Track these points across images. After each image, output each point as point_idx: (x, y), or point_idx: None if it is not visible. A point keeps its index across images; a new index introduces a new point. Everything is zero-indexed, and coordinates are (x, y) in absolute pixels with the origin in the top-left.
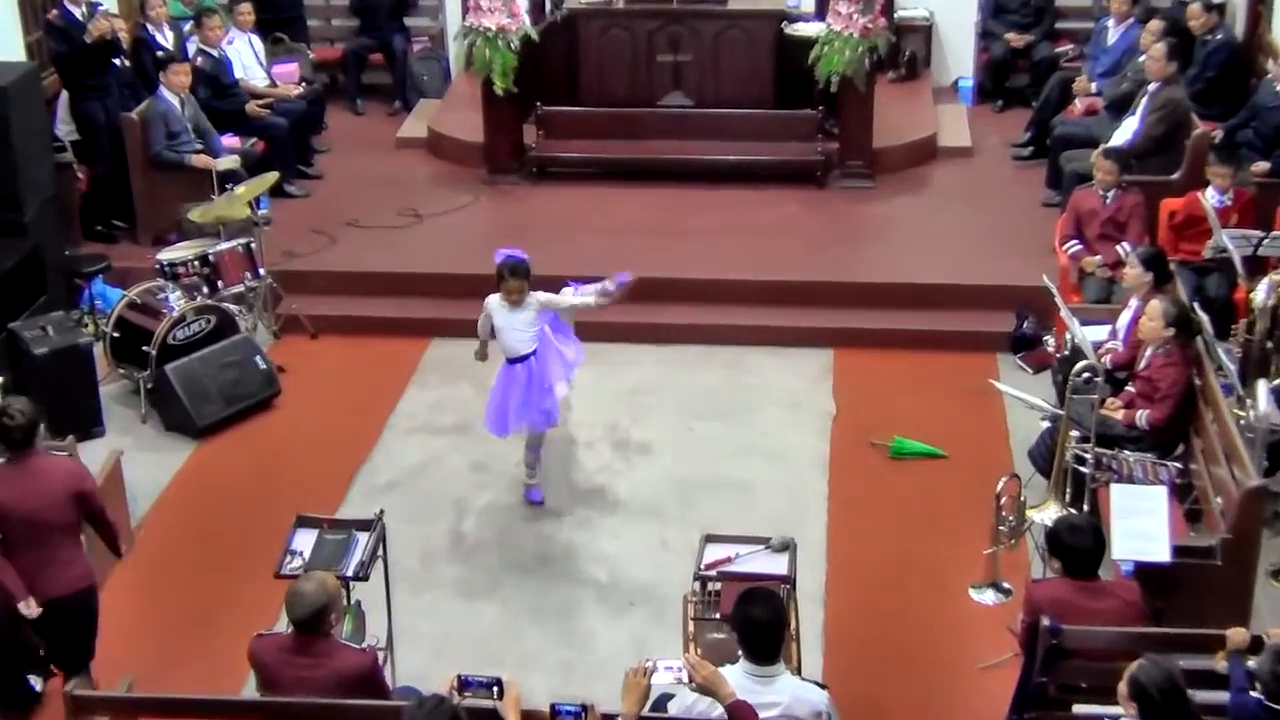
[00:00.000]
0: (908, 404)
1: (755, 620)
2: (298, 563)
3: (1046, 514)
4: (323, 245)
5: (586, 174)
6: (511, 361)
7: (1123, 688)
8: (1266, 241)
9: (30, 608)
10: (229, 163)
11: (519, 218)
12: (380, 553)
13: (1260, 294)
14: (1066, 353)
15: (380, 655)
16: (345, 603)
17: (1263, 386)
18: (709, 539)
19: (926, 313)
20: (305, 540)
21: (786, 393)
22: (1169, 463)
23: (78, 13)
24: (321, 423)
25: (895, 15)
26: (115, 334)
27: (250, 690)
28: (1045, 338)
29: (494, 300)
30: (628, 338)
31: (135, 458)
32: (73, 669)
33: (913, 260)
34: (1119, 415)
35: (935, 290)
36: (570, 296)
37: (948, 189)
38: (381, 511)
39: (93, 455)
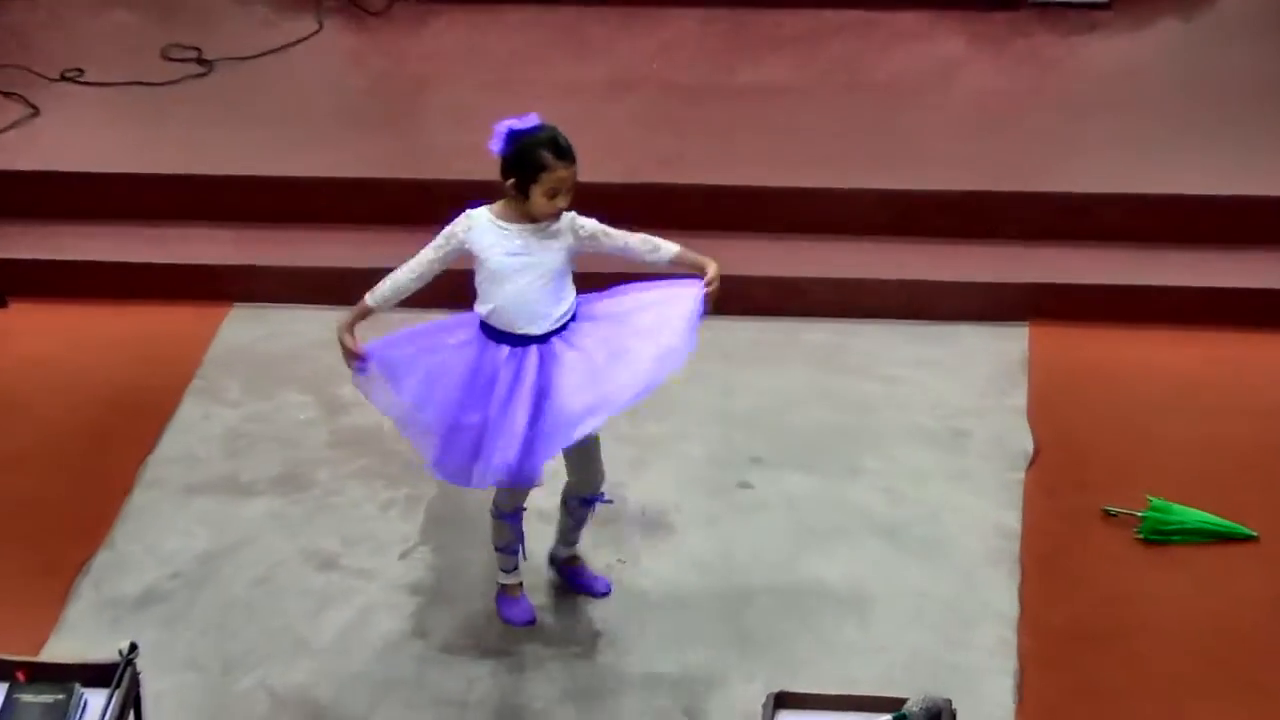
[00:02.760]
0: (1177, 435)
1: None
2: None
3: None
4: (16, 119)
5: None
6: (499, 337)
7: None
8: None
9: None
10: None
11: (400, 67)
12: None
13: None
14: None
15: None
16: None
17: None
18: (781, 701)
19: (1213, 254)
20: None
21: (936, 410)
22: None
23: None
24: (14, 472)
25: None
26: None
27: None
28: None
29: (483, 218)
30: None
31: None
32: None
33: (1182, 152)
34: None
35: (1228, 208)
36: (627, 236)
37: (1246, 13)
38: (133, 648)
39: None
